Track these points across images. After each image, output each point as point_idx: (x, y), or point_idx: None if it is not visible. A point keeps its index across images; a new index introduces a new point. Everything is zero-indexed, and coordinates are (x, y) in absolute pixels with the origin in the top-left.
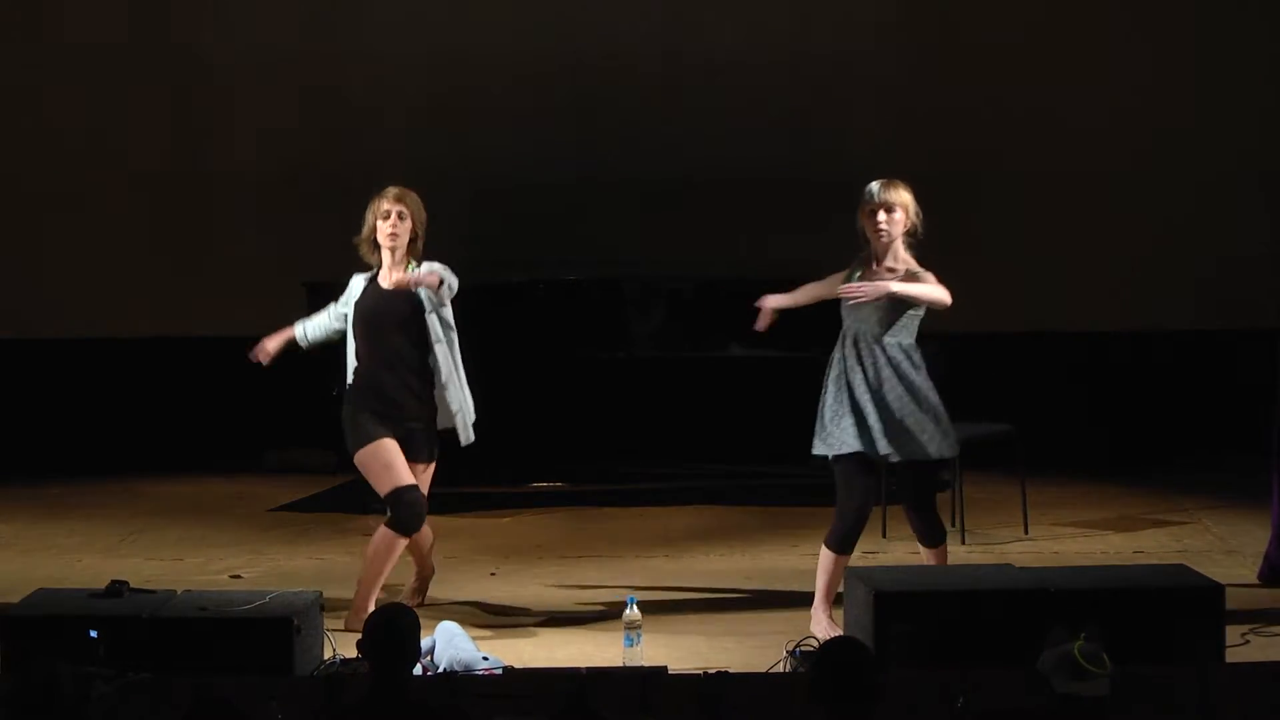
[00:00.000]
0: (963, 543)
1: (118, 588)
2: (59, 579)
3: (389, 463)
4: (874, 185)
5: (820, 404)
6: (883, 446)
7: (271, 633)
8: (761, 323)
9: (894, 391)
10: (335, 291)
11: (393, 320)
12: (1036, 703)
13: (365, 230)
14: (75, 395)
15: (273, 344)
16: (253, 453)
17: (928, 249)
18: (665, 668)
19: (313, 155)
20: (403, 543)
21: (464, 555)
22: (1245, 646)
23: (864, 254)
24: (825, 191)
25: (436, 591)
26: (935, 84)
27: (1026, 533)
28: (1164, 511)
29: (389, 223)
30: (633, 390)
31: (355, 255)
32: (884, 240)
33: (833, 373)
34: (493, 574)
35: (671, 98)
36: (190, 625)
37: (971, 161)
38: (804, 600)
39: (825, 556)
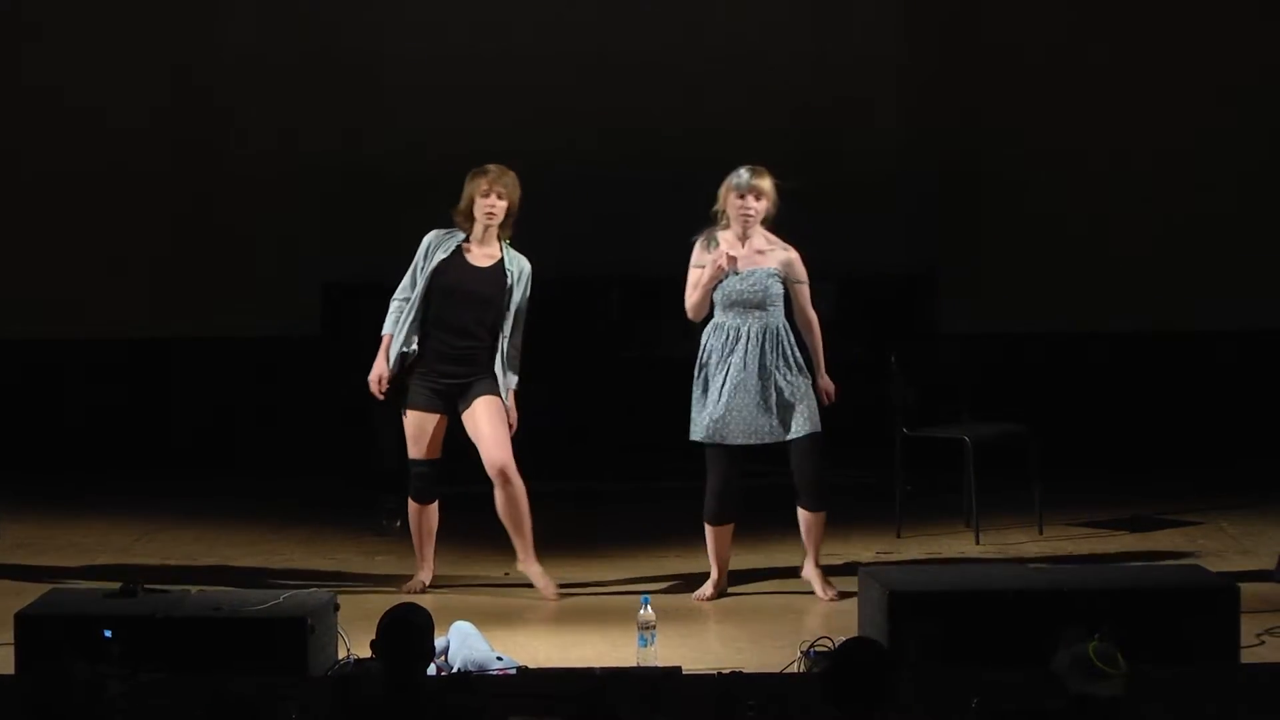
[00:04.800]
0: (977, 543)
1: (132, 588)
2: (74, 579)
3: (414, 436)
4: (750, 175)
5: (722, 389)
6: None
7: (285, 633)
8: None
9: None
10: (353, 293)
11: (477, 298)
12: (1051, 703)
13: (463, 204)
14: (91, 395)
15: (380, 371)
16: (268, 452)
17: (945, 247)
18: (679, 668)
19: (331, 155)
20: (417, 508)
21: (478, 555)
22: (1260, 647)
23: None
24: (841, 191)
25: (450, 592)
26: (956, 83)
27: (1041, 533)
28: (1178, 512)
29: (488, 200)
30: (647, 387)
31: (368, 256)
32: (749, 222)
33: (740, 357)
34: (506, 574)
35: (687, 95)
36: (204, 625)
37: (983, 161)
38: (817, 601)
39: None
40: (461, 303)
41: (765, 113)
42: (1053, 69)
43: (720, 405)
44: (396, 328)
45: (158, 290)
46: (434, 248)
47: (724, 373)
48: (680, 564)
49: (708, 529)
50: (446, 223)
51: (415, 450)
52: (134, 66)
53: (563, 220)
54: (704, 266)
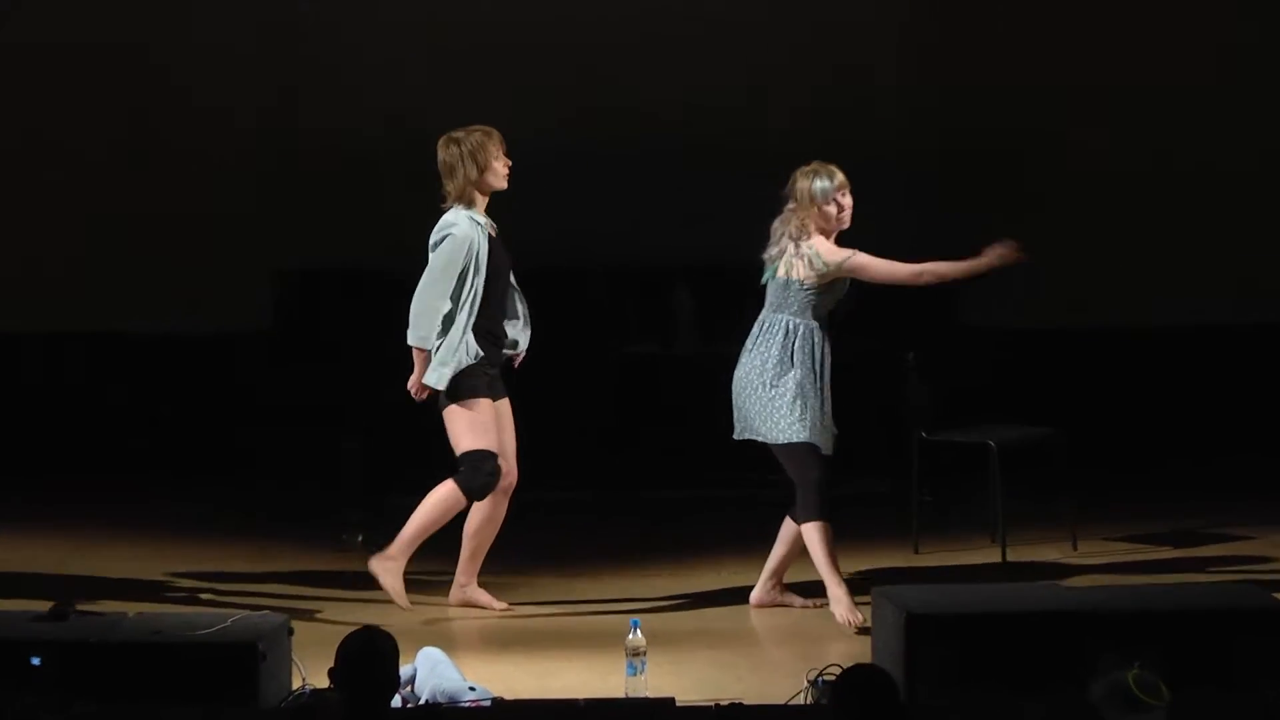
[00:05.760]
0: (1003, 559)
1: (63, 609)
2: None
3: (487, 424)
4: (820, 177)
5: (803, 391)
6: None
7: (234, 659)
8: None
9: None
10: (308, 280)
11: (506, 268)
12: None
13: (474, 172)
14: (16, 394)
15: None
16: (216, 458)
17: (959, 243)
18: (673, 699)
19: (292, 134)
20: (463, 504)
21: (449, 572)
22: None
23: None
24: (850, 173)
25: (417, 613)
26: (958, 73)
27: (1074, 548)
28: (1226, 525)
29: (507, 160)
30: (636, 387)
31: (323, 241)
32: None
33: (820, 360)
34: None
35: (681, 78)
36: (143, 651)
37: (1012, 141)
38: (826, 624)
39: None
40: (501, 283)
41: (764, 95)
42: (1077, 61)
43: (823, 410)
44: (458, 341)
45: (94, 283)
46: (476, 239)
47: (816, 376)
48: (674, 583)
49: (820, 529)
50: (431, 206)
51: (489, 440)
52: (92, 47)
53: (552, 207)
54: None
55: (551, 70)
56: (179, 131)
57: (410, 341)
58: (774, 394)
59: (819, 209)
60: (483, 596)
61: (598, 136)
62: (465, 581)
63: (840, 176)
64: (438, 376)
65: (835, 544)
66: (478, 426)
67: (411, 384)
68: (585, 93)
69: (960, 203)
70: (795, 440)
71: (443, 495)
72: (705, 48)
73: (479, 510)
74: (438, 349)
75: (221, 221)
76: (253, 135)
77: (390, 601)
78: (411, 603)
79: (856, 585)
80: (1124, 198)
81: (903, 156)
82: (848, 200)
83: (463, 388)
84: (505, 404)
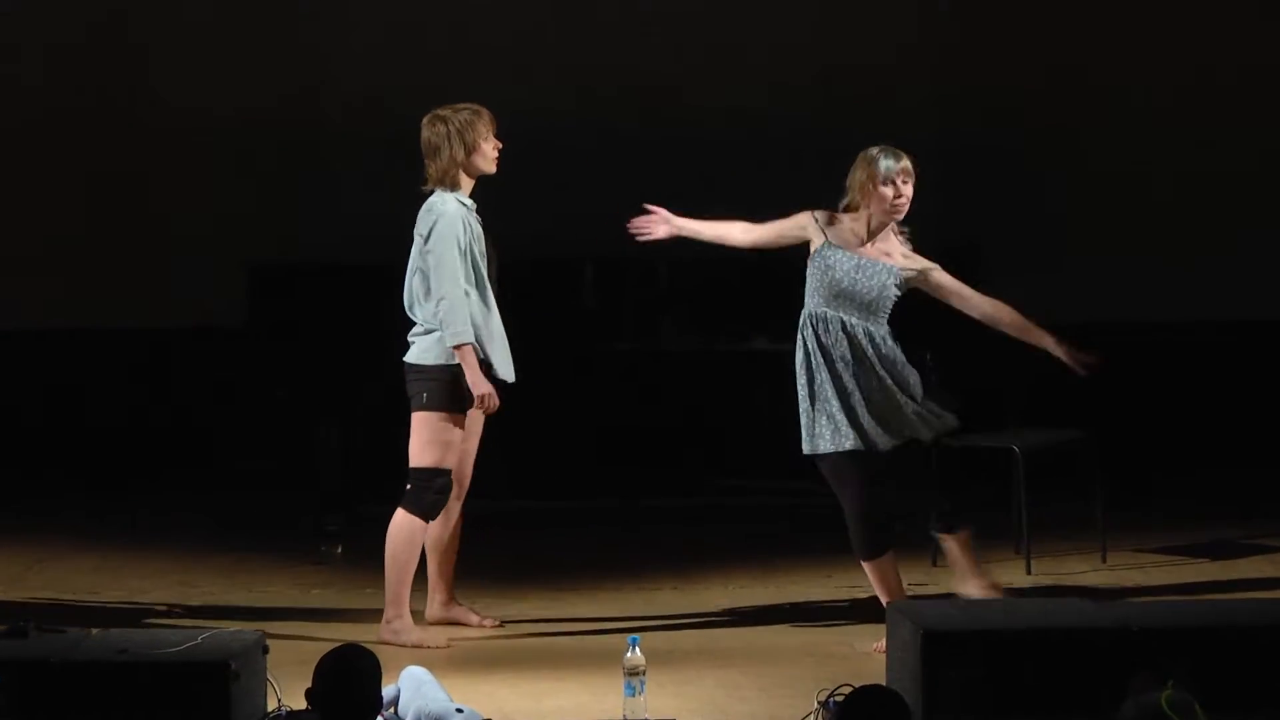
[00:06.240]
0: (1028, 572)
1: (22, 627)
2: None
3: (451, 442)
4: (888, 155)
5: (815, 388)
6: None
7: (205, 680)
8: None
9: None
10: (284, 275)
11: (491, 261)
12: None
13: (461, 153)
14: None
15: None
16: (184, 464)
17: (990, 217)
18: None
19: (261, 123)
20: (423, 527)
21: (425, 588)
22: None
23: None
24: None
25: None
26: (960, 73)
27: (1104, 560)
28: (1269, 536)
29: (497, 143)
30: (633, 387)
31: (322, 240)
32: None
33: (849, 354)
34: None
35: (672, 58)
36: (108, 671)
37: (1038, 116)
38: (838, 640)
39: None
40: (488, 271)
41: (764, 93)
42: (1078, 44)
43: (850, 409)
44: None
45: (59, 275)
46: (466, 224)
47: (840, 374)
48: (676, 598)
49: (867, 567)
50: (411, 189)
51: (449, 458)
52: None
53: (550, 197)
54: (804, 231)
55: (552, 65)
56: (174, 130)
57: (450, 343)
58: (799, 398)
59: (875, 186)
60: (468, 616)
61: (598, 131)
62: (443, 598)
63: (906, 161)
64: (456, 334)
65: (897, 572)
66: (439, 443)
67: (477, 388)
68: (585, 88)
69: (960, 202)
70: (810, 452)
71: (399, 531)
72: (706, 43)
73: (440, 523)
74: (441, 319)
75: (220, 220)
76: (252, 135)
77: (375, 621)
78: None
79: (870, 601)
80: (1123, 198)
81: (939, 132)
82: (908, 189)
83: (443, 397)
84: (478, 413)
